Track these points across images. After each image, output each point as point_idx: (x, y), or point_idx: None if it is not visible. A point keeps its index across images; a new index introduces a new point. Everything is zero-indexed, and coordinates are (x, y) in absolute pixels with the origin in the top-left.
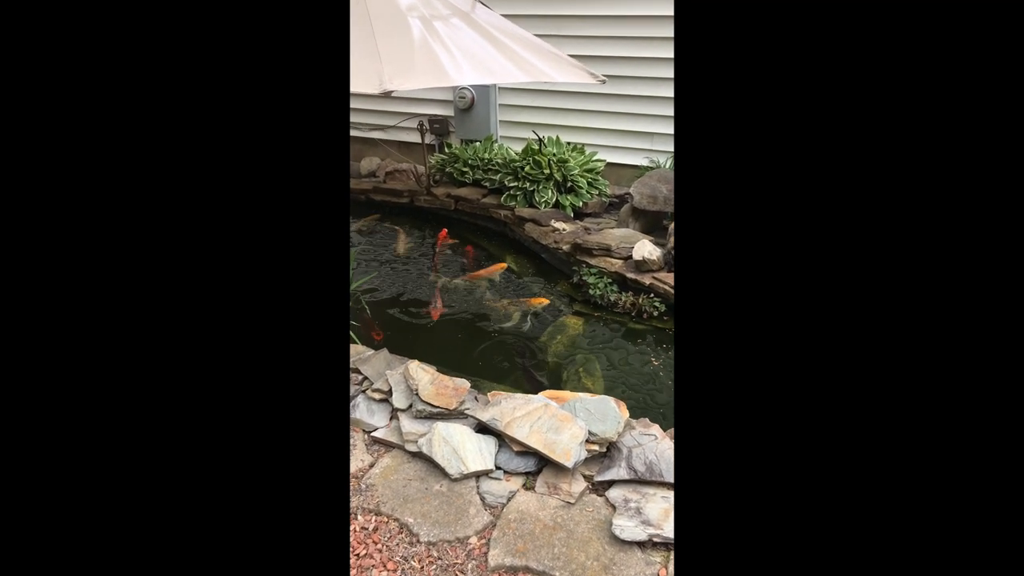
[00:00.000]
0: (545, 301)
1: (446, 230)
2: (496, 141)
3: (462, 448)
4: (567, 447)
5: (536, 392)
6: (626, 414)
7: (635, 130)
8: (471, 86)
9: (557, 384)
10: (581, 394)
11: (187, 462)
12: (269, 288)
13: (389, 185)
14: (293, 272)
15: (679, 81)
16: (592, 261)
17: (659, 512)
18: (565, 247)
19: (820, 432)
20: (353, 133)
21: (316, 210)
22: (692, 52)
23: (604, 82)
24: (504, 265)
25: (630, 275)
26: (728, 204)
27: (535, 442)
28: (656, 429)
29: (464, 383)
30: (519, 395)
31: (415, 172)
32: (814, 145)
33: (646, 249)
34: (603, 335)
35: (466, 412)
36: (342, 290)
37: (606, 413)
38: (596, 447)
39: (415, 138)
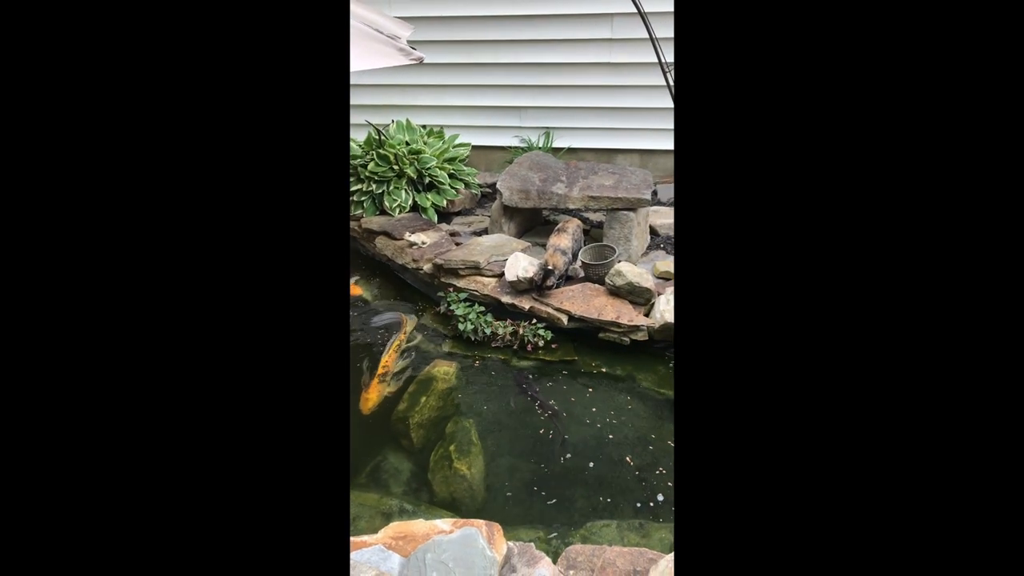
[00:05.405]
0: (358, 290)
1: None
2: None
3: None
4: None
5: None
6: (502, 549)
7: (501, 105)
8: None
9: (422, 474)
10: (438, 525)
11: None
12: (260, 289)
13: None
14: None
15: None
16: (460, 283)
17: None
18: (426, 267)
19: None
20: None
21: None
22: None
23: (421, 60)
24: (358, 290)
25: (506, 299)
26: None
27: None
28: (545, 564)
29: None
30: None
31: None
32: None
33: (519, 266)
34: (481, 382)
35: None
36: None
37: (471, 562)
38: None
39: None
